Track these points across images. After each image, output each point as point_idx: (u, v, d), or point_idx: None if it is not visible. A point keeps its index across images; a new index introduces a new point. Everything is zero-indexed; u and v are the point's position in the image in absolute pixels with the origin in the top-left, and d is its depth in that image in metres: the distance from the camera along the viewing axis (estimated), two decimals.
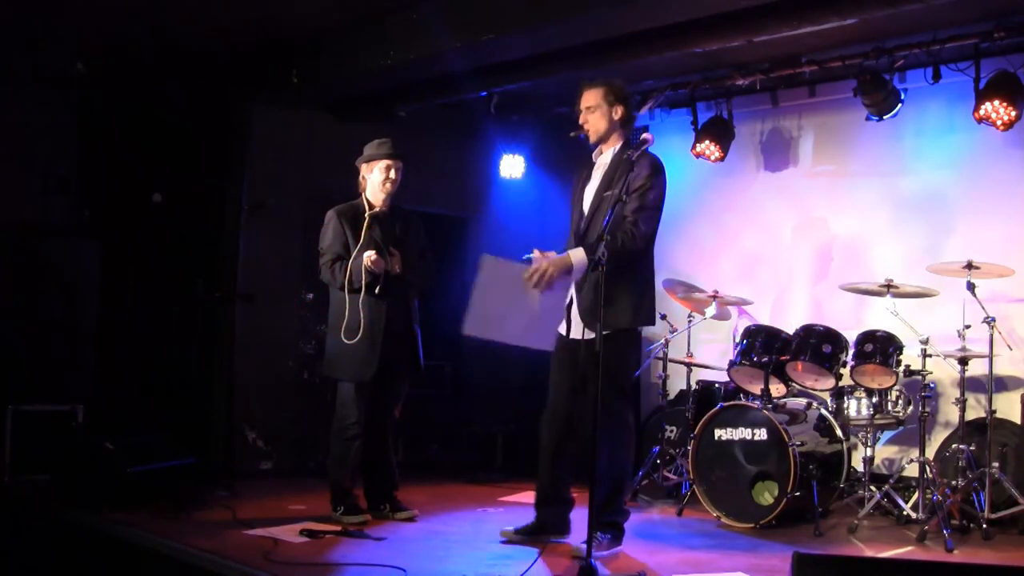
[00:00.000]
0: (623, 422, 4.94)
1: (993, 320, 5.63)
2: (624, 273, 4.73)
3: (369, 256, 5.43)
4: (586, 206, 5.03)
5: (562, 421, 5.07)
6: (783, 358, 6.06)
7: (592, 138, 5.03)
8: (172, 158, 7.52)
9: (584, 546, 4.54)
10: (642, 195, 4.82)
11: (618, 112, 4.97)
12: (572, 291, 4.95)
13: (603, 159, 5.07)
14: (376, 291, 5.50)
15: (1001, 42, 6.00)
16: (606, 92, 4.95)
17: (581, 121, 5.02)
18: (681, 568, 4.77)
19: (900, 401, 6.00)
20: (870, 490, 5.92)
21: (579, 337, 4.88)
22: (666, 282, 7.11)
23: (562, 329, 5.05)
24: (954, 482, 5.69)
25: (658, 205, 4.90)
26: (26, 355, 6.59)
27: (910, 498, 5.80)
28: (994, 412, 5.69)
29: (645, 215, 4.82)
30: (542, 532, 5.08)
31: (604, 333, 4.40)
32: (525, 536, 5.09)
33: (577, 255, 4.72)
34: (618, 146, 5.02)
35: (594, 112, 4.97)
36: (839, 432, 6.08)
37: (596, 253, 4.35)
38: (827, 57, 6.57)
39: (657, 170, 4.89)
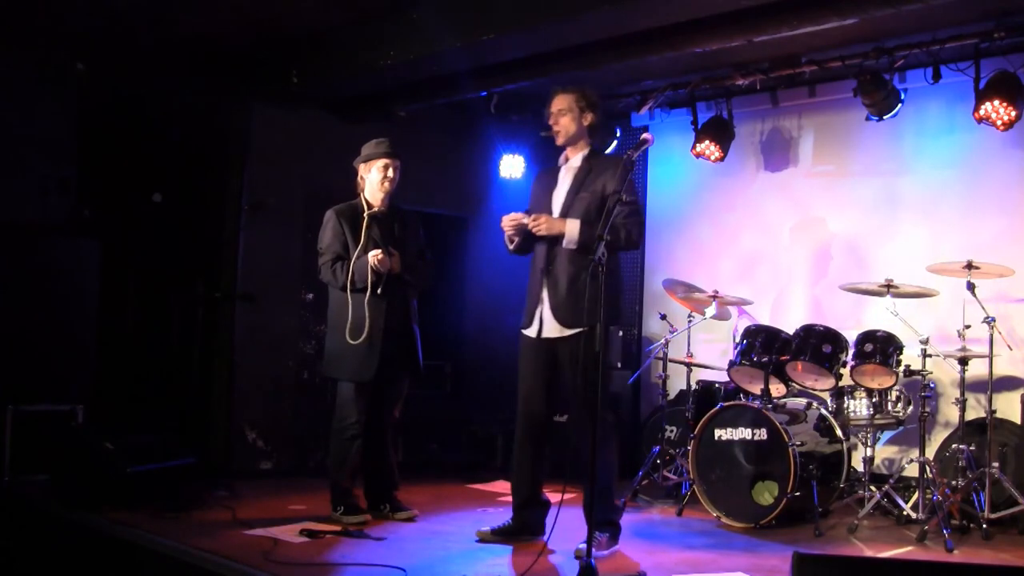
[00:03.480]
0: (602, 419, 4.93)
1: (993, 320, 5.63)
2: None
3: (376, 255, 5.43)
4: (556, 209, 5.13)
5: (537, 423, 5.12)
6: (783, 358, 6.06)
7: (560, 140, 5.19)
8: (172, 158, 7.52)
9: (585, 546, 4.57)
10: (633, 203, 5.02)
11: (587, 118, 5.14)
12: (544, 292, 5.04)
13: (571, 163, 5.21)
14: (378, 291, 5.50)
15: (1001, 42, 6.00)
16: (578, 98, 5.13)
17: (551, 123, 5.18)
18: (681, 568, 4.78)
19: (900, 401, 6.00)
20: (870, 490, 5.92)
21: (553, 336, 5.01)
22: (666, 282, 7.11)
23: (531, 331, 5.11)
24: (954, 482, 5.69)
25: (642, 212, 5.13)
26: (26, 355, 6.58)
27: (910, 498, 5.81)
28: (994, 412, 5.69)
29: (639, 220, 5.10)
30: (520, 533, 5.14)
31: (581, 330, 4.72)
32: (502, 536, 5.13)
33: (572, 225, 4.96)
34: (586, 151, 5.17)
35: (565, 115, 5.14)
36: (839, 432, 6.08)
37: (597, 253, 4.40)
38: (827, 57, 6.58)
39: (633, 183, 5.15)
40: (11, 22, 6.56)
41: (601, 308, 4.41)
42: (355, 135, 6.20)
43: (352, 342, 5.49)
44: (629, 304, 8.13)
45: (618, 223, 4.84)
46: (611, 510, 5.04)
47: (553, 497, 5.16)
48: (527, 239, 5.14)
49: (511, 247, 5.20)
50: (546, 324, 5.04)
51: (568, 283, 4.95)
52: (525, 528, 5.15)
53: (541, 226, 4.98)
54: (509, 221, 5.06)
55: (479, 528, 5.23)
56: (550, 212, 5.13)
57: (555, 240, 5.02)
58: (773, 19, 5.52)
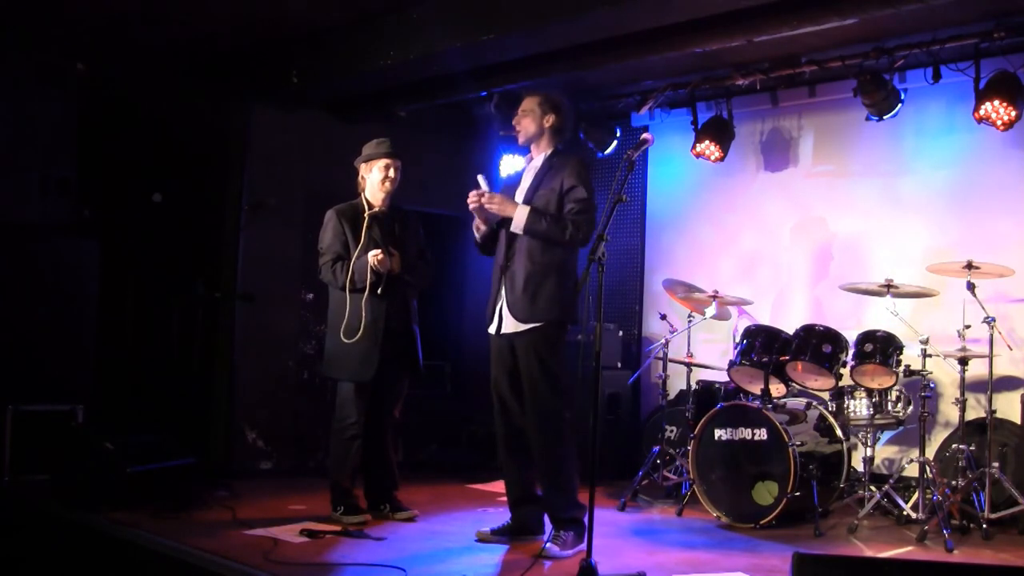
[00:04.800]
0: (557, 415, 4.99)
1: (993, 320, 5.63)
2: (554, 269, 5.01)
3: (375, 255, 5.44)
4: None
5: (512, 420, 5.15)
6: (783, 358, 6.06)
7: (520, 139, 5.27)
8: (172, 158, 7.52)
9: (551, 546, 4.81)
10: (585, 200, 5.06)
11: (549, 120, 5.20)
12: (503, 289, 5.10)
13: (533, 164, 5.27)
14: (378, 291, 5.50)
15: (1001, 42, 6.00)
16: (541, 100, 5.22)
17: (514, 123, 5.27)
18: (681, 568, 4.78)
19: (900, 401, 6.00)
20: (870, 490, 5.92)
21: (510, 331, 5.08)
22: (666, 282, 7.11)
23: (492, 328, 5.17)
24: (954, 482, 5.69)
25: None
26: (26, 355, 6.58)
27: (910, 498, 5.80)
28: (994, 412, 5.69)
29: (589, 218, 5.07)
30: (519, 532, 5.15)
31: (536, 325, 4.94)
32: (502, 536, 5.14)
33: (522, 210, 5.02)
34: (548, 152, 5.22)
35: (527, 116, 5.23)
36: (839, 432, 6.08)
37: (597, 253, 4.44)
38: (827, 57, 6.58)
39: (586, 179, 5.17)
40: (11, 22, 6.56)
41: (601, 306, 4.45)
42: (355, 135, 6.21)
43: (347, 341, 5.49)
44: (629, 304, 8.13)
45: (567, 218, 4.97)
46: (574, 507, 5.01)
47: None
48: (493, 236, 5.25)
49: (477, 237, 5.28)
50: (505, 320, 5.10)
51: (524, 281, 5.03)
52: (524, 527, 5.15)
53: (494, 203, 5.05)
54: (471, 200, 5.12)
55: (479, 528, 5.23)
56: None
57: (514, 238, 5.09)
58: (773, 19, 5.52)
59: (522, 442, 5.13)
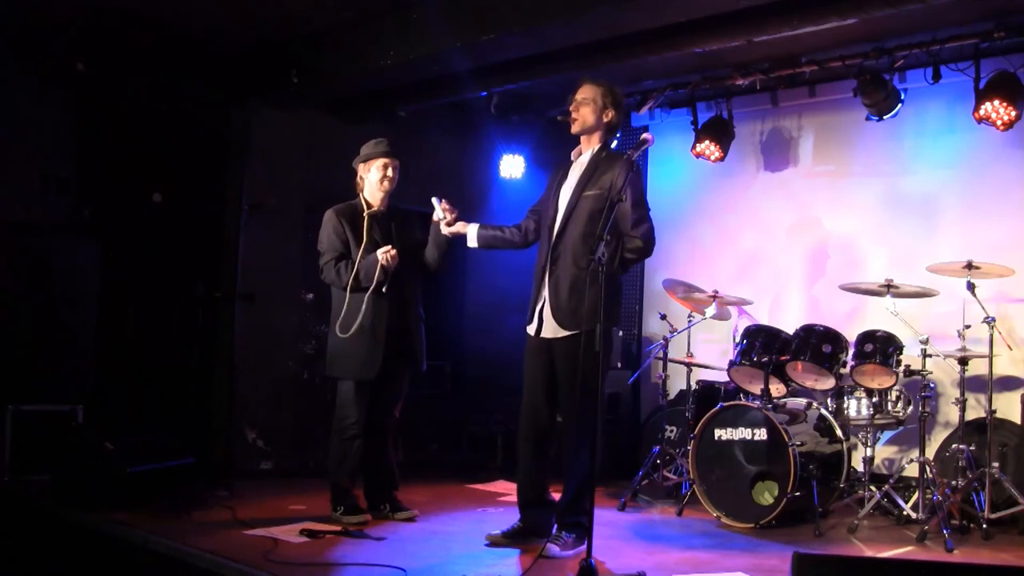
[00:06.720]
0: (591, 423, 4.88)
1: (993, 320, 5.63)
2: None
3: (388, 253, 5.44)
4: (562, 205, 5.08)
5: (539, 423, 5.10)
6: (783, 358, 6.06)
7: (575, 128, 5.11)
8: (172, 158, 7.52)
9: (552, 546, 4.79)
10: (642, 205, 4.99)
11: (608, 115, 5.08)
12: (545, 291, 5.03)
13: (581, 159, 5.15)
14: (383, 289, 5.49)
15: (1001, 42, 6.00)
16: (604, 92, 5.08)
17: (571, 109, 5.11)
18: (681, 568, 4.78)
19: (900, 401, 6.00)
20: (870, 490, 5.92)
21: (550, 336, 5.01)
22: (666, 282, 7.11)
23: (531, 329, 5.11)
24: (954, 482, 5.69)
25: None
26: (26, 355, 6.58)
27: (910, 498, 5.81)
28: (994, 412, 5.70)
29: (650, 225, 5.01)
30: (529, 535, 5.10)
31: (575, 332, 4.82)
32: (511, 539, 5.09)
33: (471, 228, 5.36)
34: (597, 147, 5.11)
35: (587, 105, 5.08)
36: (839, 432, 6.08)
37: (596, 253, 4.39)
38: (827, 57, 6.58)
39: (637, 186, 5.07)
40: (11, 22, 6.56)
41: (601, 308, 4.42)
42: (355, 135, 6.20)
43: (355, 341, 5.48)
44: (629, 304, 8.13)
45: (633, 234, 4.90)
46: (580, 512, 4.92)
47: (558, 497, 5.16)
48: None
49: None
50: (545, 323, 5.03)
51: (569, 287, 4.93)
52: (533, 530, 5.09)
53: (456, 226, 5.39)
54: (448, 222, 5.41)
55: (489, 531, 5.15)
56: (556, 207, 5.10)
57: (559, 237, 5.01)
58: (773, 19, 5.52)
59: (544, 446, 5.08)
